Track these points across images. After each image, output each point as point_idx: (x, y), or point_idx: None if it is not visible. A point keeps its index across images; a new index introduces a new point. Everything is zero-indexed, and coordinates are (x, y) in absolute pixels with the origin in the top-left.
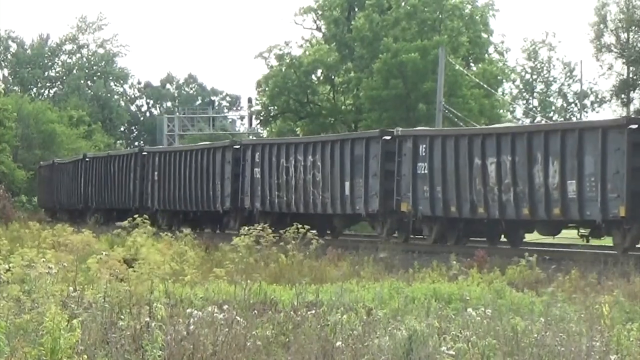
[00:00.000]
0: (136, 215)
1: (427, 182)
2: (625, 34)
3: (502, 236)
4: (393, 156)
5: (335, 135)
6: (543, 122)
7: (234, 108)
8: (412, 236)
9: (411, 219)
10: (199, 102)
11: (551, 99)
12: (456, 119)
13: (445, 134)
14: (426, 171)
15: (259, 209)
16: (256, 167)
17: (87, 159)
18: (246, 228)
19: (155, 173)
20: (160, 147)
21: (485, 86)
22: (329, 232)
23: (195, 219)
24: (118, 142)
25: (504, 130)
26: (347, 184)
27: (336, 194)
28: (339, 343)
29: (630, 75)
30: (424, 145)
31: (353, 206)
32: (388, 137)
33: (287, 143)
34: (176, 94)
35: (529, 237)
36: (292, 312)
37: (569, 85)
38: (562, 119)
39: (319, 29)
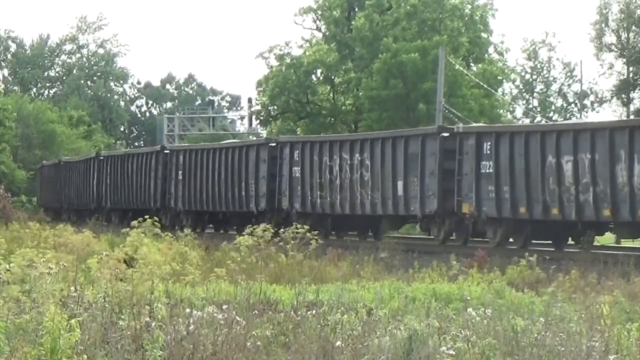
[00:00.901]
0: (147, 216)
1: (493, 181)
2: (626, 34)
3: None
4: (452, 154)
5: (387, 132)
6: (543, 122)
7: (234, 108)
8: (471, 239)
9: (471, 221)
10: (199, 102)
11: (551, 99)
12: (456, 119)
13: (513, 130)
14: (491, 170)
15: (297, 210)
16: (295, 165)
17: (100, 157)
18: (251, 228)
19: (180, 172)
20: (185, 144)
21: (485, 86)
22: (371, 234)
23: (224, 220)
24: (118, 142)
25: (582, 127)
26: (400, 184)
27: (387, 194)
28: (338, 343)
29: (631, 75)
30: (489, 143)
31: (407, 207)
32: (447, 134)
33: (332, 140)
34: (176, 94)
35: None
36: (292, 312)
37: (569, 85)
38: (563, 119)
39: (319, 29)
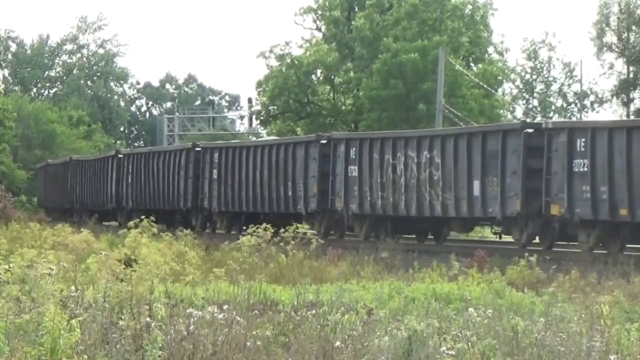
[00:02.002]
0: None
1: (588, 181)
2: (627, 34)
3: None
4: (537, 152)
5: (462, 128)
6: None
7: (234, 108)
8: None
9: (560, 224)
10: (199, 102)
11: (551, 99)
12: (456, 119)
13: (613, 126)
14: (586, 169)
15: (353, 211)
16: (352, 164)
17: (120, 155)
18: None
19: (215, 171)
20: (221, 142)
21: (485, 86)
22: (431, 236)
23: (266, 222)
24: (118, 142)
25: None
26: (477, 183)
27: (461, 195)
28: (338, 343)
29: (631, 75)
30: (583, 140)
31: (484, 208)
32: (531, 130)
33: (396, 137)
34: (176, 94)
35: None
36: (292, 312)
37: (569, 85)
38: (562, 119)
39: (319, 29)
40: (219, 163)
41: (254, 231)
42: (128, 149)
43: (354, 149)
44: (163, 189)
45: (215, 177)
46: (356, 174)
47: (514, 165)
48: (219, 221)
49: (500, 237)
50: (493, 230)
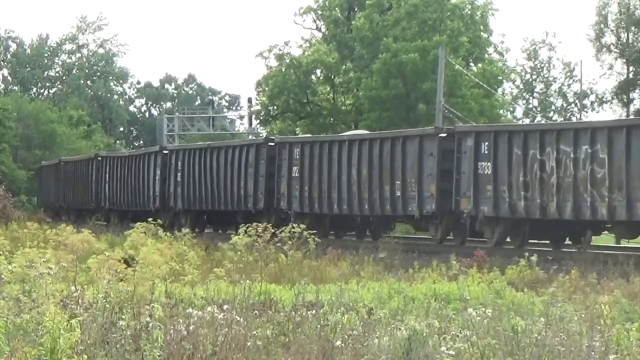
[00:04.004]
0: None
1: None
2: (626, 34)
3: None
4: None
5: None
6: (543, 122)
7: (233, 108)
8: None
9: None
10: (198, 102)
11: (551, 99)
12: (456, 119)
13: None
14: None
15: (485, 213)
16: (483, 160)
17: (165, 151)
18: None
19: (295, 168)
20: (303, 136)
21: (485, 86)
22: (570, 242)
23: (362, 225)
24: (117, 142)
25: None
26: None
27: (636, 195)
28: (338, 343)
29: (631, 75)
30: None
31: None
32: None
33: (544, 130)
34: (175, 94)
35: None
36: (292, 312)
37: (569, 85)
38: (563, 119)
39: (318, 29)
40: (301, 159)
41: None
42: (128, 148)
43: (486, 143)
44: (226, 188)
45: (297, 175)
46: (489, 172)
47: None
48: (297, 223)
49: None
50: None
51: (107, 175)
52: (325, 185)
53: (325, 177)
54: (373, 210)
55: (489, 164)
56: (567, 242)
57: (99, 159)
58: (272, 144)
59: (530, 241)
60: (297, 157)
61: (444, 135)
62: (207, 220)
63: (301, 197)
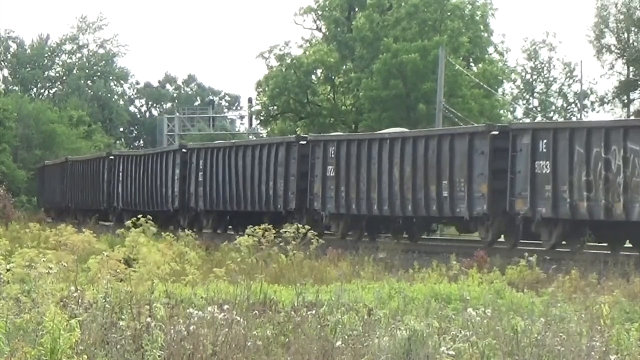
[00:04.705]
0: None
1: None
2: (626, 35)
3: None
4: None
5: None
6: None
7: (233, 108)
8: None
9: None
10: (198, 102)
11: (551, 99)
12: (456, 119)
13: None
14: None
15: (542, 214)
16: (540, 158)
17: (184, 150)
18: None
19: (330, 167)
20: (337, 134)
21: (485, 86)
22: (630, 245)
23: (402, 226)
24: (117, 142)
25: None
26: None
27: None
28: (339, 343)
29: (631, 76)
30: None
31: None
32: None
33: (609, 127)
34: (175, 94)
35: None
36: (292, 312)
37: (569, 85)
38: (563, 119)
39: (319, 29)
40: (337, 158)
41: (253, 231)
42: (129, 148)
43: (545, 140)
44: (253, 188)
45: (332, 174)
46: (548, 171)
47: None
48: (334, 226)
49: None
50: None
51: (121, 174)
52: (364, 185)
53: (364, 177)
54: (417, 211)
55: (548, 162)
56: (627, 244)
57: (111, 158)
58: (304, 142)
59: (562, 242)
60: (333, 155)
61: (496, 132)
62: (230, 221)
63: (337, 197)
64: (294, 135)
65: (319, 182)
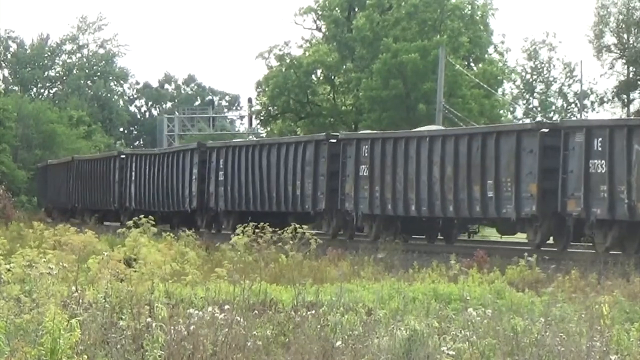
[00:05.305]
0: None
1: None
2: (626, 35)
3: None
4: None
5: None
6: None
7: (233, 108)
8: None
9: None
10: (198, 102)
11: (551, 99)
12: (456, 119)
13: None
14: None
15: (597, 216)
16: (595, 157)
17: (203, 149)
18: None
19: (363, 167)
20: (373, 132)
21: (485, 86)
22: None
23: (440, 228)
24: (117, 142)
25: None
26: None
27: None
28: (339, 343)
29: (631, 76)
30: None
31: None
32: None
33: None
34: (175, 94)
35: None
36: (292, 312)
37: (569, 85)
38: (562, 119)
39: (319, 29)
40: (370, 157)
41: (244, 230)
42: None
43: (600, 139)
44: (278, 188)
45: (365, 174)
46: (604, 170)
47: None
48: (367, 227)
49: None
50: None
51: (133, 174)
52: (401, 184)
53: (401, 176)
54: (459, 212)
55: (603, 161)
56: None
57: (123, 157)
58: (334, 140)
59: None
60: (366, 154)
61: (546, 130)
62: (252, 221)
63: (371, 197)
64: (323, 134)
65: (350, 182)
